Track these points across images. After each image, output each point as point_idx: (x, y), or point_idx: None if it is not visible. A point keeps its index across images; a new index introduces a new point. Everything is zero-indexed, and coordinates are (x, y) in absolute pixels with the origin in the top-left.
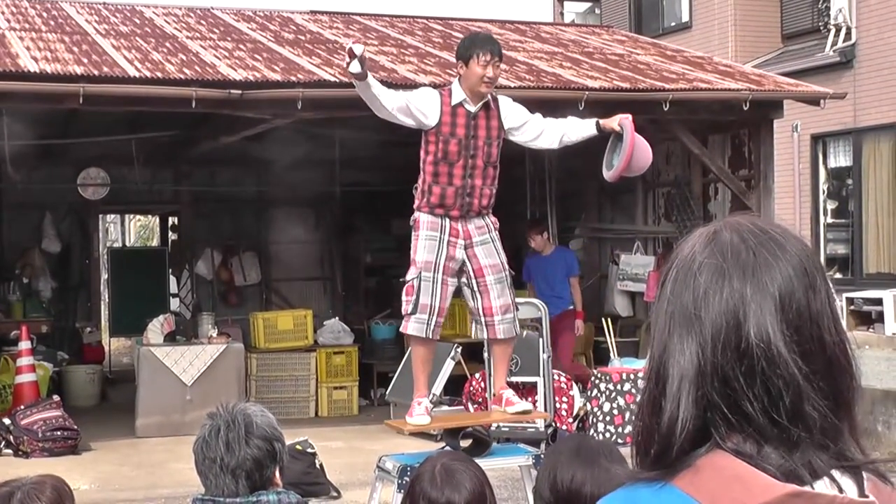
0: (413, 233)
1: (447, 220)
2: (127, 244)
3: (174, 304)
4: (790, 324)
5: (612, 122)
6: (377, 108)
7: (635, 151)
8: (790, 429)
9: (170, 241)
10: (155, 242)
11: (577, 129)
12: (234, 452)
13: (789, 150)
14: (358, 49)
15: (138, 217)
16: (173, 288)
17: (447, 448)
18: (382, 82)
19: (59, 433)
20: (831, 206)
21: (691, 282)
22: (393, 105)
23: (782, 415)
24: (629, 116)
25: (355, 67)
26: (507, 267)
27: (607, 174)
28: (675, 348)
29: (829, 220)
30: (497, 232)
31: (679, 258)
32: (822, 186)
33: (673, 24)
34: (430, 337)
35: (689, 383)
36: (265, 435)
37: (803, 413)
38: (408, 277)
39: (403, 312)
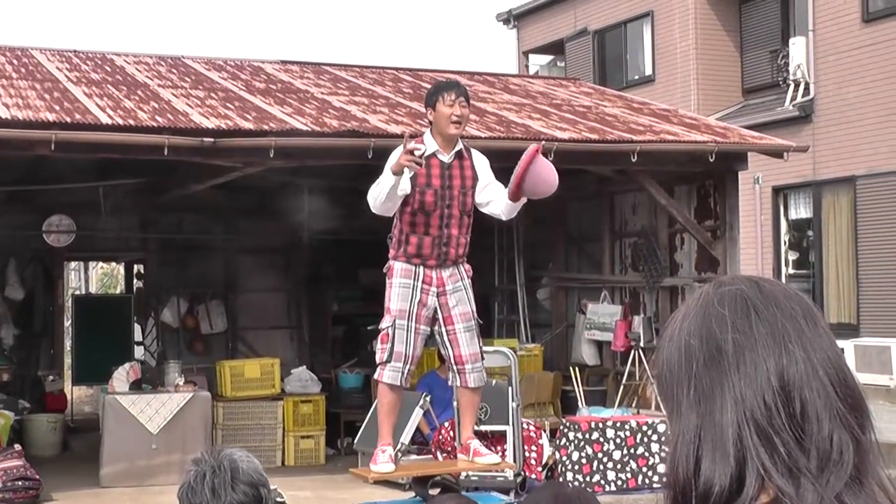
0: (387, 280)
1: (422, 267)
2: (89, 291)
3: (139, 352)
4: (827, 361)
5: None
6: (390, 196)
7: (530, 171)
8: (826, 473)
9: (135, 288)
10: (118, 290)
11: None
12: (220, 498)
13: (751, 202)
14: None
15: (101, 264)
16: (138, 336)
17: (448, 494)
18: (354, 133)
19: (20, 483)
20: (792, 256)
21: (714, 320)
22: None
23: (825, 462)
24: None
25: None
26: (476, 316)
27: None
28: (708, 394)
29: (791, 271)
30: (470, 280)
31: (688, 308)
32: (784, 237)
33: (636, 77)
34: (403, 385)
35: (731, 432)
36: (251, 480)
37: (842, 460)
38: (382, 325)
39: (378, 361)
